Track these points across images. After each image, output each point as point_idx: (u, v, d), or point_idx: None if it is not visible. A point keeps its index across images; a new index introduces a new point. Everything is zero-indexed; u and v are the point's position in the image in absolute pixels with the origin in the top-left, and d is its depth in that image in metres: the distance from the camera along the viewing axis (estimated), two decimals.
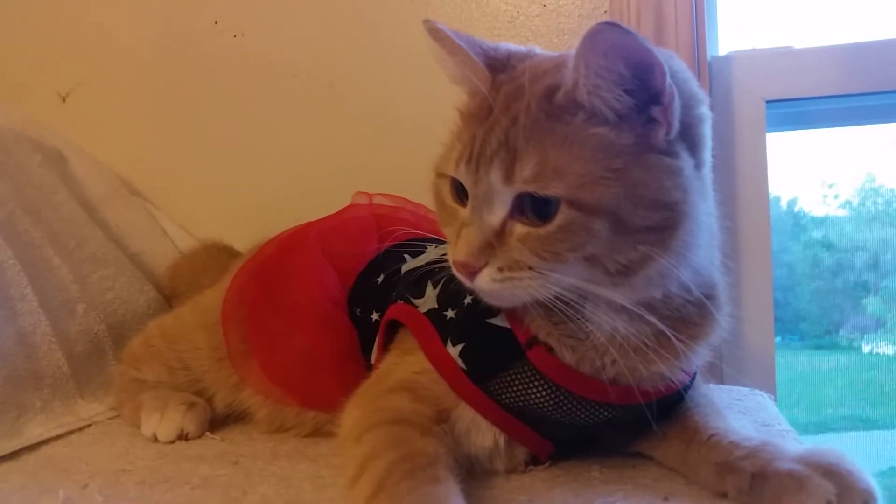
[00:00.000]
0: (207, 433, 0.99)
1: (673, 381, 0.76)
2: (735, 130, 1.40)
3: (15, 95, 1.59)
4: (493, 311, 0.76)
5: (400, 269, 0.93)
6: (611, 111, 0.65)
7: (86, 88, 1.62)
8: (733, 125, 1.40)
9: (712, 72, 1.40)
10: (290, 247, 1.03)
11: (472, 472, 0.76)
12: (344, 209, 1.10)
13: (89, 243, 1.30)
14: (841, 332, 2.38)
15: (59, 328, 1.13)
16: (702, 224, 0.70)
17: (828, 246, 2.32)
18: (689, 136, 0.69)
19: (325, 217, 1.08)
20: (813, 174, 2.06)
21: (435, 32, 0.74)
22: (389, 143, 1.46)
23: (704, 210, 0.70)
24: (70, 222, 1.29)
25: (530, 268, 0.66)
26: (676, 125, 0.67)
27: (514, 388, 0.75)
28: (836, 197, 2.26)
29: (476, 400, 0.75)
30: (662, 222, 0.65)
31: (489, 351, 0.76)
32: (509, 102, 0.69)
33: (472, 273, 0.68)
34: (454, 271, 0.71)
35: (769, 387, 1.34)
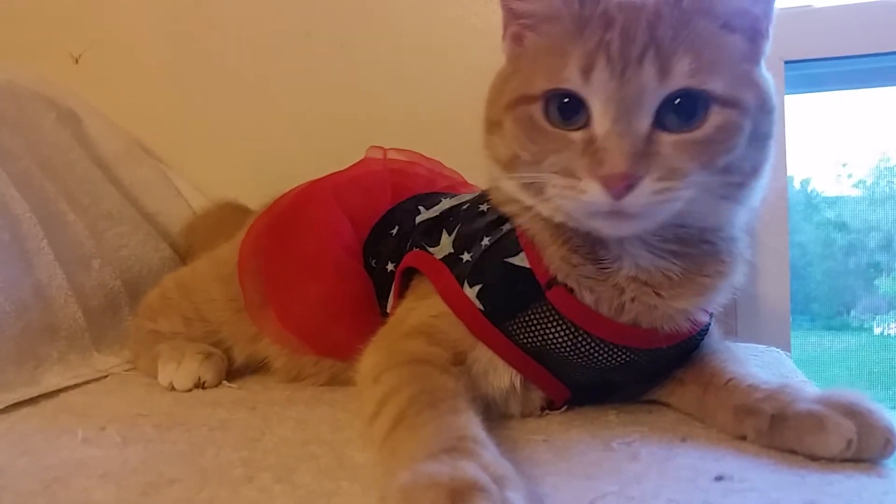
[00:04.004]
0: (224, 382, 1.00)
1: (694, 321, 0.75)
2: None
3: (28, 56, 1.59)
4: (513, 251, 0.75)
5: (415, 220, 0.93)
6: (740, 19, 0.68)
7: (98, 50, 1.61)
8: None
9: None
10: (305, 199, 1.03)
11: (488, 416, 0.76)
12: (358, 163, 1.10)
13: (104, 201, 1.30)
14: (852, 313, 2.36)
15: (74, 282, 1.13)
16: None
17: (841, 226, 2.31)
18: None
19: (340, 171, 1.08)
20: (827, 154, 2.04)
21: None
22: (402, 104, 1.46)
23: None
24: (84, 180, 1.30)
25: (685, 177, 0.64)
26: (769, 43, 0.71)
27: (533, 329, 0.75)
28: (849, 176, 2.23)
29: (493, 340, 0.75)
30: (771, 130, 0.70)
31: (507, 291, 0.75)
32: (631, 12, 0.67)
33: (628, 186, 0.62)
34: (593, 195, 0.64)
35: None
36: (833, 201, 2.31)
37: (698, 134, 0.65)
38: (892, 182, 2.27)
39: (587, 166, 0.64)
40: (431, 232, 0.86)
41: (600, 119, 0.65)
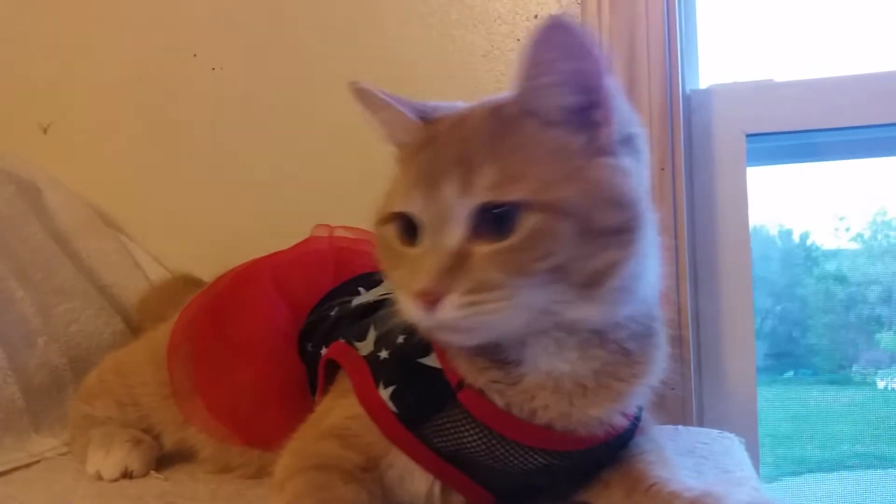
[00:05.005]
0: (153, 472, 0.97)
1: (611, 426, 0.72)
2: (715, 164, 1.38)
3: None
4: (425, 351, 0.73)
5: (352, 302, 0.91)
6: (559, 111, 0.65)
7: (67, 120, 1.63)
8: (713, 159, 1.38)
9: (692, 105, 1.38)
10: (242, 281, 1.01)
11: None
12: (302, 242, 1.08)
13: (57, 275, 1.29)
14: (854, 368, 2.33)
15: (16, 361, 1.12)
16: (651, 240, 0.69)
17: (840, 279, 2.28)
18: (632, 148, 0.69)
19: (282, 250, 1.07)
20: (824, 207, 2.03)
21: (361, 93, 0.75)
22: (369, 178, 1.44)
23: (652, 226, 0.69)
24: (38, 254, 1.29)
25: (499, 288, 0.62)
26: (619, 129, 0.67)
27: (447, 432, 0.72)
28: (847, 230, 2.21)
29: (407, 445, 0.72)
30: (625, 223, 0.64)
31: (420, 393, 0.73)
32: (453, 130, 0.68)
33: (434, 302, 0.62)
34: (411, 311, 0.65)
35: (750, 426, 1.30)
36: (832, 254, 2.28)
37: (507, 244, 0.63)
38: (890, 235, 2.25)
39: (405, 283, 0.66)
40: (361, 324, 0.84)
41: (422, 236, 0.66)
